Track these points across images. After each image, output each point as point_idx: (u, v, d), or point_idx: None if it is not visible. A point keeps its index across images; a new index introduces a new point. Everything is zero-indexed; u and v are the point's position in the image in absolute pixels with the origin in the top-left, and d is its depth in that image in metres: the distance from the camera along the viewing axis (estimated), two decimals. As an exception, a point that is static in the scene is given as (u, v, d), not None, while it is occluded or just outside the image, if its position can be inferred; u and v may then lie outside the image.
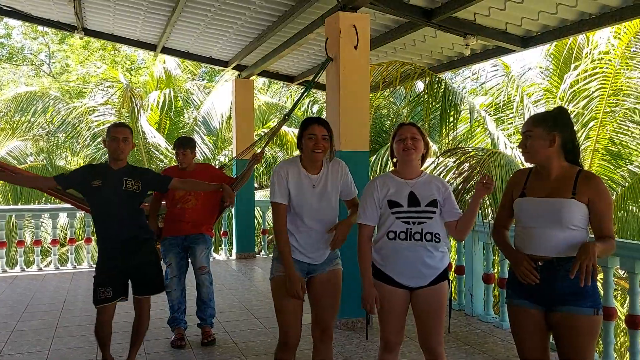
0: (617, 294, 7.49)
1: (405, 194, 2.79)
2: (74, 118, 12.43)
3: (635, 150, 8.23)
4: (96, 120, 12.56)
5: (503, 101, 8.69)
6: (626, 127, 8.11)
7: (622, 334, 7.12)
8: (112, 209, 3.51)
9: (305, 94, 6.09)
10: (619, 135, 8.13)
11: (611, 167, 8.15)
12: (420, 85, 9.06)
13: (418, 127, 2.86)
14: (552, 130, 2.48)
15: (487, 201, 5.51)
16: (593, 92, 7.86)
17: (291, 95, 17.11)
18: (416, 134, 2.81)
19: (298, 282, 2.92)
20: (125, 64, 20.92)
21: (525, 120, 2.65)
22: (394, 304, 2.82)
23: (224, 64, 8.77)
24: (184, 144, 4.64)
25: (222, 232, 9.12)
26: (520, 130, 2.66)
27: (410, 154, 2.79)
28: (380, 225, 2.86)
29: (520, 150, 2.61)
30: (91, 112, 12.67)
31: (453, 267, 5.89)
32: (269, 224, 10.81)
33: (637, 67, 7.76)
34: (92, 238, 8.61)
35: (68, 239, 8.23)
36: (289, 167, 3.02)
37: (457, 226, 2.80)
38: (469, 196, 5.92)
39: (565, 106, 8.06)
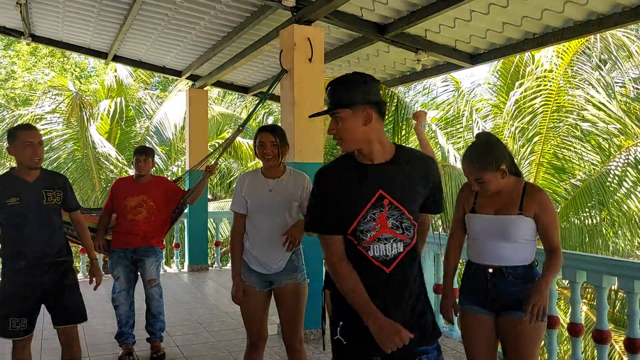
0: (560, 303, 7.77)
1: None
2: (20, 126, 11.98)
3: (577, 165, 8.60)
4: (43, 129, 12.14)
5: (453, 115, 8.95)
6: (569, 142, 8.48)
7: (565, 341, 7.39)
8: (30, 227, 3.05)
9: (260, 105, 6.10)
10: (562, 150, 8.49)
11: (555, 180, 8.49)
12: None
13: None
14: (498, 167, 2.54)
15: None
16: (537, 109, 8.20)
17: (246, 106, 17.06)
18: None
19: (239, 288, 3.09)
20: (75, 71, 20.34)
21: (465, 166, 2.64)
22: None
23: (178, 73, 8.66)
24: (145, 151, 4.56)
25: (174, 244, 8.94)
26: (464, 174, 2.70)
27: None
28: None
29: (477, 190, 2.65)
30: (38, 121, 12.25)
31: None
32: (222, 236, 10.71)
33: (578, 86, 8.15)
34: None
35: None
36: (248, 176, 3.17)
37: None
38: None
39: (510, 122, 8.37)
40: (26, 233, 3.06)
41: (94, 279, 3.36)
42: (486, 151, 2.56)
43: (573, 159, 8.60)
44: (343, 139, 1.98)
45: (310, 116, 2.27)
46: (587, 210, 7.79)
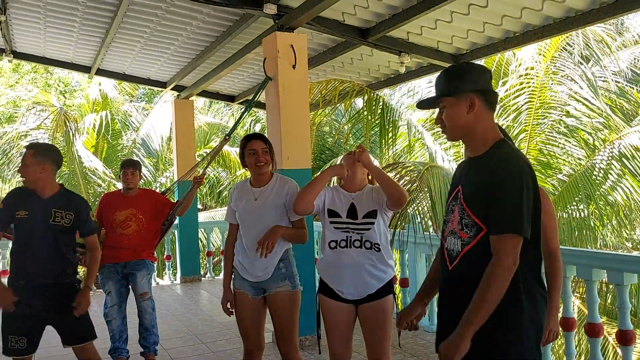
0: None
1: (345, 205, 2.87)
2: (5, 143, 11.88)
3: (563, 160, 8.68)
4: (28, 146, 12.05)
5: (439, 116, 8.97)
6: (553, 138, 8.56)
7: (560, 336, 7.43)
8: (34, 245, 3.04)
9: (246, 113, 6.10)
10: (547, 146, 8.56)
11: (542, 176, 8.55)
12: (359, 102, 9.24)
13: (361, 147, 2.92)
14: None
15: (428, 214, 5.67)
16: (522, 106, 8.27)
17: (233, 115, 17.04)
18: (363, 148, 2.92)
19: (225, 300, 3.18)
20: (59, 86, 20.21)
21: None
22: (338, 318, 2.88)
23: (163, 84, 8.64)
24: (132, 164, 4.56)
25: (165, 256, 8.89)
26: None
27: (354, 166, 2.91)
28: (322, 235, 2.96)
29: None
30: (23, 137, 12.15)
31: (398, 279, 5.99)
32: (213, 246, 10.66)
33: (560, 82, 8.23)
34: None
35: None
36: (238, 186, 3.23)
37: (387, 197, 2.81)
38: (410, 208, 6.08)
39: (496, 120, 8.43)
40: (30, 250, 3.05)
41: (81, 305, 3.13)
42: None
43: (559, 154, 8.68)
44: (447, 127, 1.98)
45: (417, 105, 2.22)
46: (574, 204, 7.85)
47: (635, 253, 8.59)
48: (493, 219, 1.82)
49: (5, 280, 3.24)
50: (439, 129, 8.49)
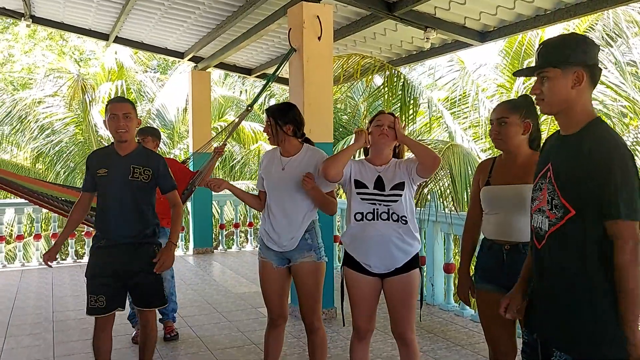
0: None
1: (372, 177, 2.83)
2: (20, 110, 11.89)
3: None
4: (44, 113, 12.06)
5: (459, 96, 8.86)
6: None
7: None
8: (114, 203, 3.03)
9: (269, 84, 6.03)
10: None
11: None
12: (377, 80, 9.14)
13: (396, 117, 2.90)
14: (526, 117, 2.53)
15: (447, 190, 5.63)
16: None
17: (246, 89, 16.92)
18: (393, 122, 2.85)
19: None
20: (74, 54, 20.14)
21: (495, 107, 2.66)
22: (364, 291, 2.85)
23: (180, 55, 8.57)
24: (143, 131, 4.49)
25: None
26: (490, 117, 2.66)
27: (382, 138, 2.83)
28: (348, 207, 2.91)
29: (492, 136, 2.63)
30: (38, 104, 12.15)
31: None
32: (226, 219, 10.70)
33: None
34: (42, 234, 8.28)
35: (15, 235, 7.86)
36: (267, 154, 3.24)
37: (419, 163, 2.79)
38: (427, 189, 6.04)
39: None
40: (108, 208, 3.05)
41: (162, 261, 3.08)
42: (523, 103, 2.57)
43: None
44: (545, 100, 1.88)
45: (514, 74, 2.15)
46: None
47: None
48: (608, 204, 1.73)
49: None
50: (456, 109, 8.24)
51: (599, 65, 1.91)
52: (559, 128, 1.96)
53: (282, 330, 3.26)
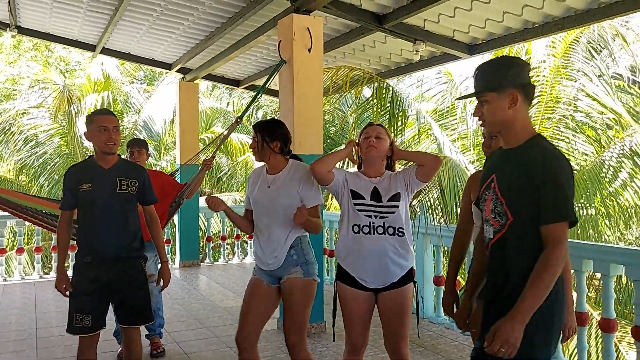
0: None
1: (368, 188, 2.80)
2: (4, 121, 11.72)
3: (569, 155, 8.62)
4: (28, 124, 11.90)
5: (447, 108, 8.90)
6: (559, 132, 8.48)
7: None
8: (101, 217, 2.92)
9: (259, 96, 6.00)
10: (553, 141, 8.49)
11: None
12: (366, 91, 9.15)
13: (385, 128, 2.88)
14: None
15: (436, 202, 5.61)
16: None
17: (233, 101, 16.88)
18: (382, 133, 2.83)
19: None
20: (59, 65, 19.96)
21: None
22: (359, 307, 2.80)
23: (168, 66, 8.52)
24: (139, 143, 4.45)
25: (164, 240, 8.78)
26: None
27: (370, 150, 2.80)
28: (342, 219, 2.86)
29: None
30: (22, 115, 11.99)
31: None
32: (212, 231, 10.59)
33: (570, 77, 8.14)
34: (24, 248, 8.11)
35: (-3, 249, 7.68)
36: (255, 172, 3.19)
37: (419, 166, 2.78)
38: (416, 202, 6.02)
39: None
40: (96, 223, 2.94)
41: (161, 280, 3.24)
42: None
43: (564, 149, 8.61)
44: (486, 122, 2.02)
45: (457, 99, 2.31)
46: (582, 201, 7.79)
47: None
48: (544, 209, 1.85)
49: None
50: (444, 121, 8.26)
51: (532, 83, 2.05)
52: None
53: (249, 354, 2.98)
